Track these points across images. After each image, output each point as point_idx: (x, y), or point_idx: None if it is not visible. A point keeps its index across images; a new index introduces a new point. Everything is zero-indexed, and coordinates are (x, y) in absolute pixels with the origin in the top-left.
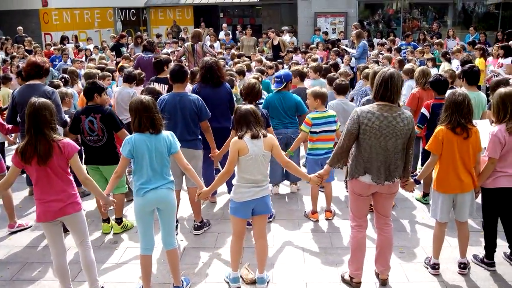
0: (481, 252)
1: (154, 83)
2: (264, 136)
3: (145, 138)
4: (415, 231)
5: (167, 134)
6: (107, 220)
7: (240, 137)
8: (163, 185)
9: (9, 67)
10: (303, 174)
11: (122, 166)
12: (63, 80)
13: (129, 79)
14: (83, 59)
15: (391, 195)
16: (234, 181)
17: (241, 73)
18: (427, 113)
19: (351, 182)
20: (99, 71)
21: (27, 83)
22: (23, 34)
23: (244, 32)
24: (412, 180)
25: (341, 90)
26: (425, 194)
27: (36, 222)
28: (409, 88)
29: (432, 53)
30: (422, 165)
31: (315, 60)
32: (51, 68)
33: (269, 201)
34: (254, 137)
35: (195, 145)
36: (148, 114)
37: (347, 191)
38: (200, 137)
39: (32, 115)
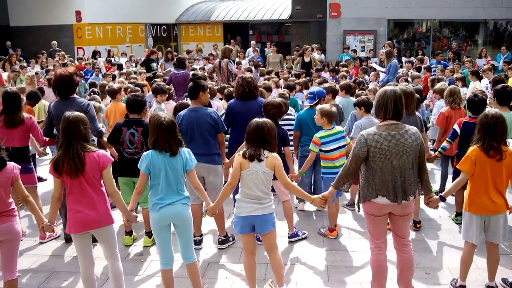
0: (510, 276)
1: (187, 99)
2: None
3: (161, 155)
4: (441, 252)
5: (183, 151)
6: (129, 233)
7: (244, 153)
8: (178, 201)
9: (41, 80)
10: (305, 195)
11: (142, 182)
12: (93, 94)
13: (155, 92)
14: (115, 73)
15: (406, 216)
16: (237, 196)
17: (268, 89)
18: (458, 129)
19: (364, 204)
20: (132, 85)
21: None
22: (57, 48)
23: (271, 49)
24: (436, 197)
25: (366, 107)
26: (458, 214)
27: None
28: (439, 108)
29: (461, 72)
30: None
31: (343, 77)
32: (82, 81)
33: (271, 218)
34: (251, 158)
35: (213, 160)
36: (165, 136)
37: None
38: (219, 151)
39: (66, 129)
